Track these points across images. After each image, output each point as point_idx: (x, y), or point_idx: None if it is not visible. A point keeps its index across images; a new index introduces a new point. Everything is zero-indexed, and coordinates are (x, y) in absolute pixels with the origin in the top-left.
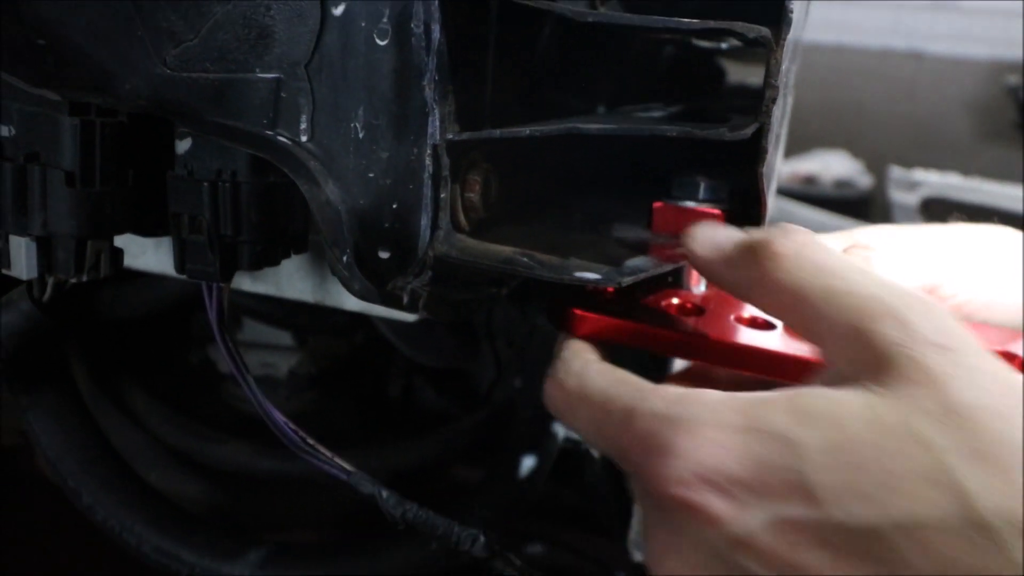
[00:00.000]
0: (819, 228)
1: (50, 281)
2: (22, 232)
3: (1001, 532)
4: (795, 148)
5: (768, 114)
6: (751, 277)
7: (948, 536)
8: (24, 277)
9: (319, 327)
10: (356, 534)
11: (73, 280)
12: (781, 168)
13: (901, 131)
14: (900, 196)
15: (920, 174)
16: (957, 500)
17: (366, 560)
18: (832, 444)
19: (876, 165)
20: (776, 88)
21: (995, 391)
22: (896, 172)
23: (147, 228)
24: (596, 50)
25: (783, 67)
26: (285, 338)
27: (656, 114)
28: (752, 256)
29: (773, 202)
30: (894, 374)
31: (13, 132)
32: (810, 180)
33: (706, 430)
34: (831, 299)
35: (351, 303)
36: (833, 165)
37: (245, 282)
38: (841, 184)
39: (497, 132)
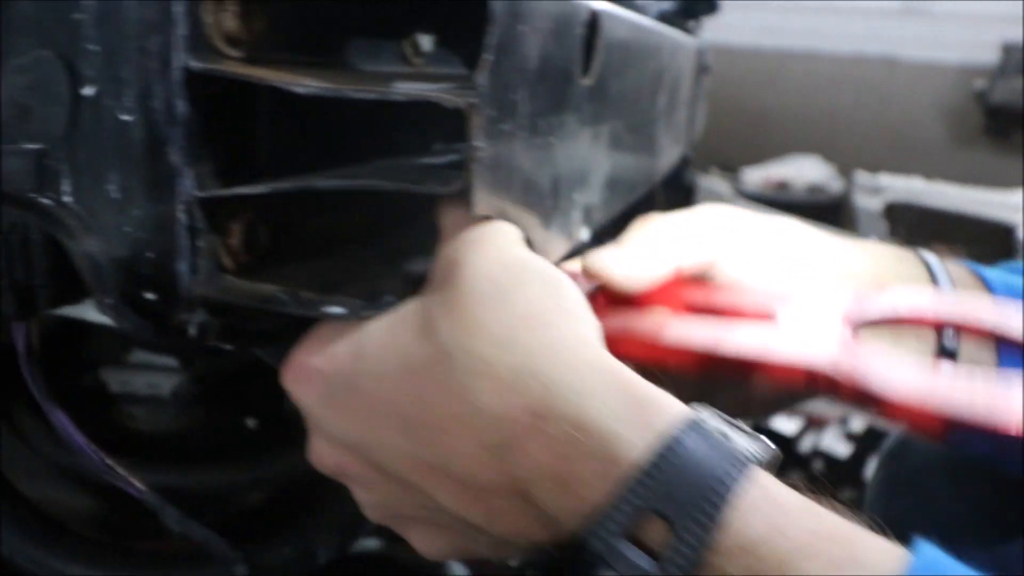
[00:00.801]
0: None
1: None
2: None
3: (454, 354)
4: (769, 153)
5: (469, 178)
6: None
7: (422, 360)
8: None
9: (201, 348)
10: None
11: None
12: (752, 173)
13: (874, 136)
14: (864, 201)
15: (885, 179)
16: (433, 342)
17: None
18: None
19: (848, 170)
20: (475, 154)
21: (486, 272)
22: (861, 177)
23: None
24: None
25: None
26: (169, 361)
27: (429, 159)
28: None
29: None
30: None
31: None
32: (783, 186)
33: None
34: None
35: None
36: (806, 170)
37: (87, 313)
38: (814, 189)
39: (245, 189)
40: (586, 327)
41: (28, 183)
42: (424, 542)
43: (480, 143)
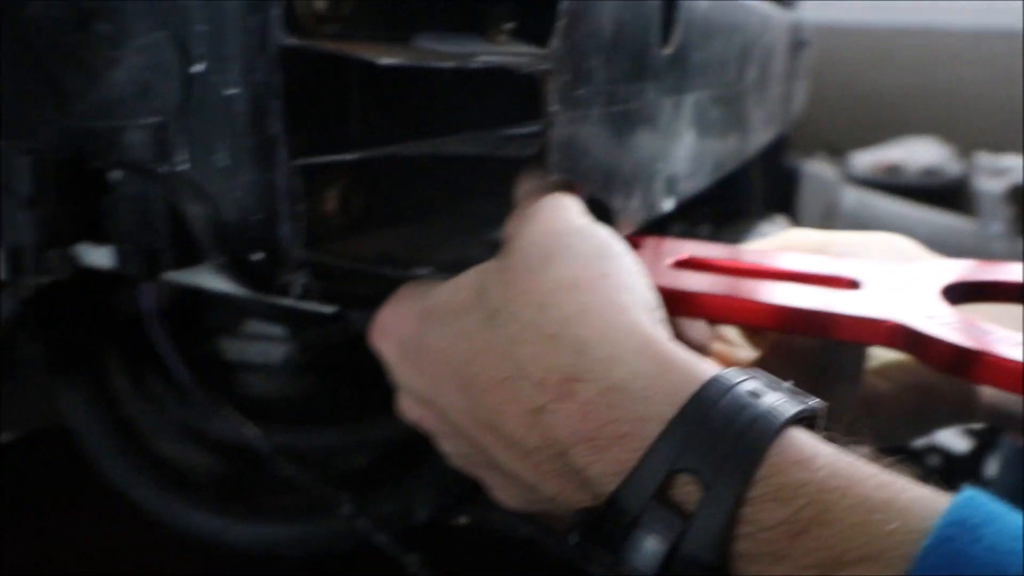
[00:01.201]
0: (896, 218)
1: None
2: None
3: (499, 318)
4: (881, 137)
5: (544, 142)
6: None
7: (476, 323)
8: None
9: (309, 319)
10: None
11: (41, 280)
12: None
13: (997, 115)
14: (986, 183)
15: (1009, 160)
16: (484, 306)
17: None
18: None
19: (968, 152)
20: (550, 118)
21: (536, 239)
22: (982, 159)
23: (96, 237)
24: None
25: None
26: (279, 330)
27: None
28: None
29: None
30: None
31: None
32: (894, 169)
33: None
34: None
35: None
36: (920, 153)
37: (203, 279)
38: (929, 172)
39: (338, 157)
40: (626, 294)
41: (149, 154)
42: (499, 492)
43: (554, 108)
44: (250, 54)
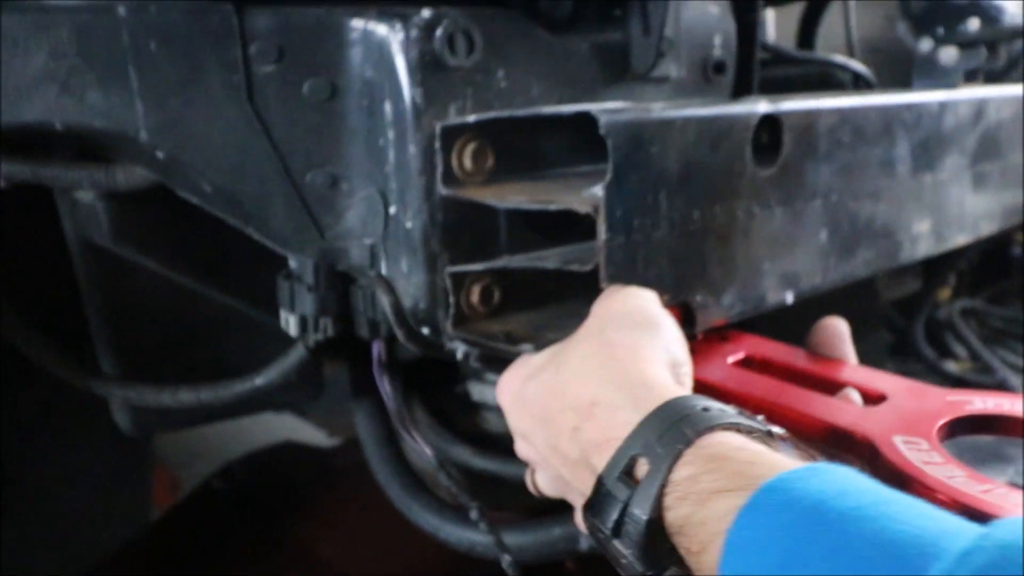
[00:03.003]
0: None
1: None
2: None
3: (563, 364)
4: None
5: (598, 260)
6: None
7: (549, 374)
8: (293, 334)
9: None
10: None
11: (319, 338)
12: None
13: None
14: None
15: None
16: (555, 362)
17: None
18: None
19: None
20: (602, 243)
21: (599, 313)
22: None
23: (345, 312)
24: None
25: None
26: None
27: None
28: None
29: None
30: None
31: None
32: None
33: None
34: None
35: None
36: None
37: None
38: None
39: (478, 266)
40: (649, 352)
41: (366, 263)
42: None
43: (605, 236)
44: (422, 200)
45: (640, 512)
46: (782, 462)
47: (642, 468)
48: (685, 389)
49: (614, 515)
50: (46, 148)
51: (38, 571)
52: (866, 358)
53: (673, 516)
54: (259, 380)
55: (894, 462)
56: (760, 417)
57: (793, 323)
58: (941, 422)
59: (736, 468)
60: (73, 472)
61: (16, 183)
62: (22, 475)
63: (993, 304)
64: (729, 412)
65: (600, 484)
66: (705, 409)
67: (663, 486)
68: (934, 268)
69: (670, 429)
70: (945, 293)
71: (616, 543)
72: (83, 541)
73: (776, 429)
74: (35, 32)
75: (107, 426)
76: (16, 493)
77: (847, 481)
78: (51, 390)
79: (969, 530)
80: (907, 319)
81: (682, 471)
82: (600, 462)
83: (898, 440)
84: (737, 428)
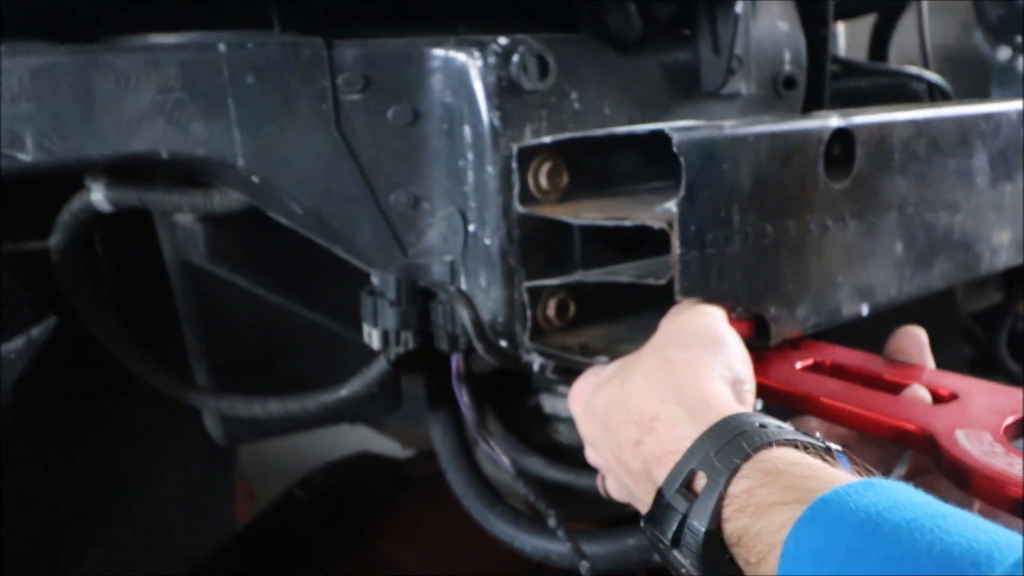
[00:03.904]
0: None
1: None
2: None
3: (629, 378)
4: None
5: (673, 275)
6: None
7: (615, 386)
8: (376, 347)
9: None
10: None
11: (400, 351)
12: None
13: None
14: None
15: None
16: (622, 375)
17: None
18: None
19: None
20: (677, 259)
21: (666, 329)
22: None
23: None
24: None
25: None
26: None
27: None
28: None
29: None
30: None
31: None
32: None
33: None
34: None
35: None
36: None
37: None
38: None
39: (553, 281)
40: (710, 369)
41: (447, 278)
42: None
43: (679, 251)
44: (500, 218)
45: (699, 523)
46: (838, 476)
47: (700, 481)
48: (746, 406)
49: (674, 526)
50: (148, 176)
51: None
52: (946, 370)
53: (731, 528)
54: (344, 392)
55: (953, 454)
56: (818, 434)
57: (872, 336)
58: (1012, 419)
59: (792, 482)
60: (167, 481)
61: (122, 208)
62: (122, 484)
63: None
64: (787, 429)
65: (660, 496)
66: (763, 426)
67: (721, 499)
68: (1016, 279)
69: (728, 444)
70: None
71: (676, 553)
72: (174, 547)
73: (833, 445)
74: (144, 69)
75: (197, 437)
76: (115, 500)
77: (901, 495)
78: (149, 402)
79: (1019, 543)
80: (989, 332)
81: (739, 484)
82: (660, 475)
83: (960, 433)
84: (794, 444)
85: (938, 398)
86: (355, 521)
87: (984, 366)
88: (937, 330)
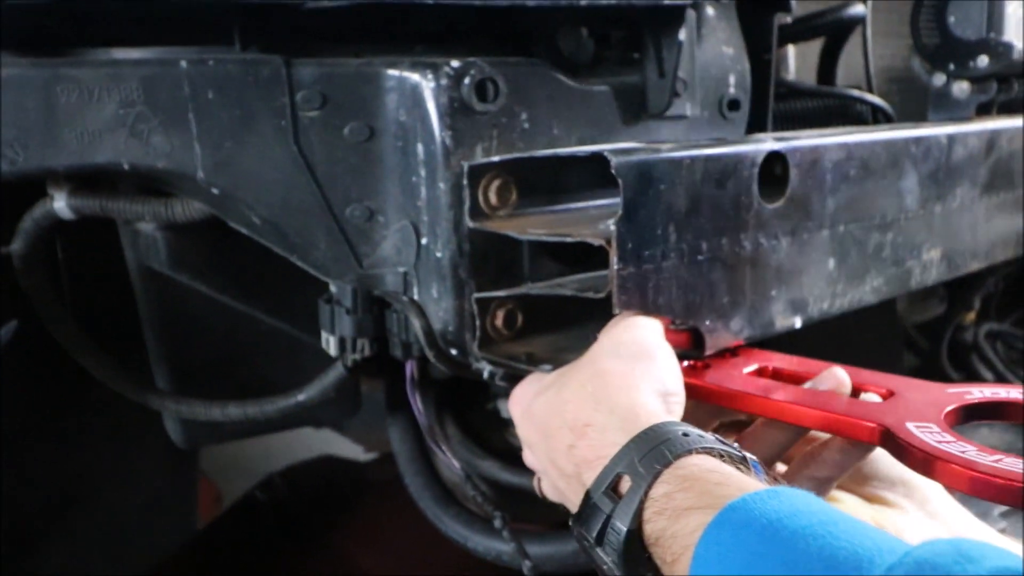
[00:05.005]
0: None
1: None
2: (331, 333)
3: (565, 386)
4: None
5: (610, 289)
6: None
7: (553, 393)
8: (333, 353)
9: None
10: None
11: (356, 357)
12: None
13: None
14: None
15: None
16: (556, 384)
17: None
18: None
19: None
20: (613, 273)
21: (602, 341)
22: None
23: (380, 334)
24: None
25: None
26: None
27: None
28: None
29: None
30: None
31: None
32: None
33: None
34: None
35: None
36: None
37: None
38: None
39: (501, 292)
40: (639, 380)
41: (400, 289)
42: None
43: (616, 266)
44: (451, 232)
45: (621, 524)
46: (748, 483)
47: (625, 484)
48: (673, 416)
49: (599, 525)
50: (110, 184)
51: None
52: None
53: (650, 528)
54: (301, 396)
55: (912, 444)
56: (735, 443)
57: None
58: (947, 409)
59: (706, 488)
60: (127, 483)
61: (84, 216)
62: (83, 485)
63: (1019, 327)
64: (708, 438)
65: (588, 497)
66: (685, 434)
67: (642, 501)
68: (958, 292)
69: (652, 451)
70: (970, 316)
71: (599, 551)
72: (136, 548)
73: (748, 454)
74: (107, 83)
75: (158, 439)
76: (77, 502)
77: (801, 502)
78: (110, 405)
79: (899, 547)
80: (932, 342)
81: (660, 488)
82: (590, 477)
83: (910, 426)
84: (712, 452)
85: (879, 396)
86: (315, 522)
87: (927, 374)
88: (878, 340)
